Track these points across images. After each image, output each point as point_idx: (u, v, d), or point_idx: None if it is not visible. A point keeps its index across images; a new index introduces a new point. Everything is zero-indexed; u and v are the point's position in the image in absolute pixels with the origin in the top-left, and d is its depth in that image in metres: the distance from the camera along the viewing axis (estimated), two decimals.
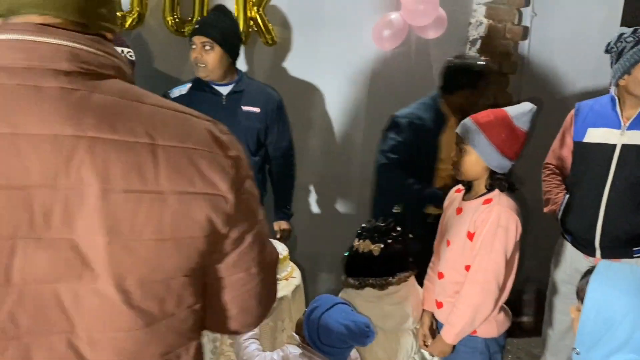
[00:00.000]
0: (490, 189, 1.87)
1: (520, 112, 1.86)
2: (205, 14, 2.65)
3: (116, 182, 0.68)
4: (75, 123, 0.67)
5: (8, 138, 0.65)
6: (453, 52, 3.23)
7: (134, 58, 2.23)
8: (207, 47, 2.33)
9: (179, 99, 2.35)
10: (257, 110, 2.48)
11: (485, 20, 3.11)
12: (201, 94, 2.42)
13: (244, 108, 2.46)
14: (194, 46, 2.35)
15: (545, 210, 2.48)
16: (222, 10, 2.46)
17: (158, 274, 0.72)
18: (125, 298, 0.70)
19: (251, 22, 2.77)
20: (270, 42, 2.81)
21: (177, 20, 2.66)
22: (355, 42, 2.98)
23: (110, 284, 0.69)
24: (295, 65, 2.95)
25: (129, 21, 2.57)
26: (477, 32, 3.15)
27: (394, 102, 2.77)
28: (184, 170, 0.71)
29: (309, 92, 3.01)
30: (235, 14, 2.70)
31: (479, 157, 1.85)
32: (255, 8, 2.75)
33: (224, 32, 2.37)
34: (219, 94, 2.45)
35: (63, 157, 0.66)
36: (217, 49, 2.34)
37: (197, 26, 2.38)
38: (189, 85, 2.47)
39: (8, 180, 0.65)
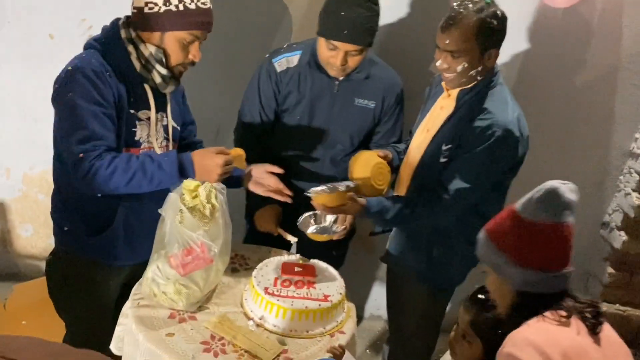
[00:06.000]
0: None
1: (526, 200, 1.24)
2: None
3: None
4: None
5: None
6: None
7: None
8: (354, 54, 1.94)
9: (285, 74, 2.03)
10: (371, 105, 2.10)
11: None
12: (313, 73, 2.02)
13: (357, 101, 2.08)
14: (332, 49, 1.92)
15: None
16: None
17: None
18: None
19: None
20: None
21: None
22: None
23: None
24: None
25: None
26: None
27: None
28: None
29: None
30: None
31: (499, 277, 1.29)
32: None
33: (375, 31, 1.95)
34: (334, 78, 2.03)
35: None
36: (364, 52, 1.96)
37: (345, 31, 1.87)
38: (299, 54, 2.05)
39: None
